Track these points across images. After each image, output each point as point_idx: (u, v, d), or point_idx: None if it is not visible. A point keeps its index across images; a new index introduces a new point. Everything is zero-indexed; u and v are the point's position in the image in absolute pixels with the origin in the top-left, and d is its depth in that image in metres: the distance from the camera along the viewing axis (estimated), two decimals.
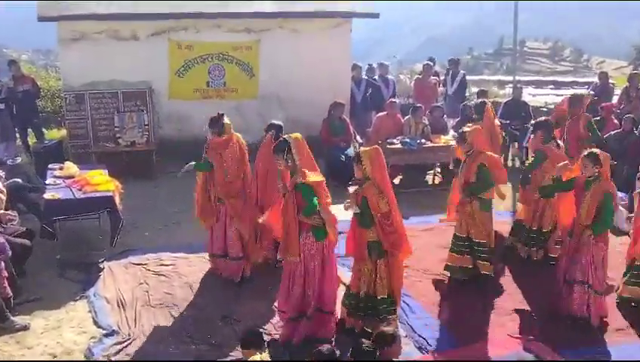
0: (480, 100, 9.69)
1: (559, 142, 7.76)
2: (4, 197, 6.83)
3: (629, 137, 9.68)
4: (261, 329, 5.67)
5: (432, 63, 13.32)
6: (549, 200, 7.15)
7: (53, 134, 12.52)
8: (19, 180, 8.33)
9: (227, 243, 6.87)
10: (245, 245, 6.91)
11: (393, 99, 10.99)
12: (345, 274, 6.68)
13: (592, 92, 12.55)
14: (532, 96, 16.03)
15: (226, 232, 6.85)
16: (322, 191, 5.57)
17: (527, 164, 7.73)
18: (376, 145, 6.00)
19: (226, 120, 6.72)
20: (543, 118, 8.11)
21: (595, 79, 14.31)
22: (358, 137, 10.95)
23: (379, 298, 5.81)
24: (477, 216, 6.81)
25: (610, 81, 13.90)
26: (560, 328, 6.15)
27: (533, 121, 8.71)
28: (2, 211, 7.14)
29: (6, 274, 6.16)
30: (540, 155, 7.31)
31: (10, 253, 6.12)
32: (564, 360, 5.49)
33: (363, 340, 4.62)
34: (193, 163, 6.88)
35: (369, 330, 5.68)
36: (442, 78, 13.79)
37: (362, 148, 5.81)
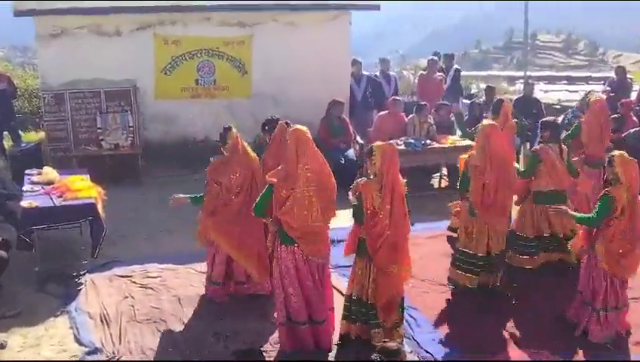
0: (498, 98, 9.69)
1: (564, 146, 7.71)
2: None
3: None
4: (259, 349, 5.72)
5: (437, 58, 13.27)
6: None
7: (31, 137, 12.48)
8: None
9: None
10: None
11: (396, 97, 11.00)
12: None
13: (608, 88, 12.60)
14: (544, 93, 16.07)
15: None
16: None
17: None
18: (391, 143, 6.02)
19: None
20: (552, 118, 8.15)
21: (612, 74, 14.33)
22: (358, 138, 10.93)
23: (368, 303, 5.80)
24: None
25: (628, 76, 13.89)
26: (572, 342, 6.17)
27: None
28: None
29: None
30: (533, 158, 7.41)
31: None
32: (563, 360, 5.52)
33: (374, 356, 4.60)
34: None
35: (367, 338, 5.81)
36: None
37: (377, 143, 5.76)
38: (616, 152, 6.37)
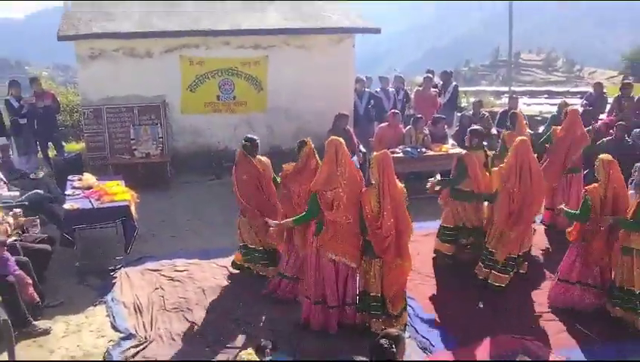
0: (511, 111, 9.61)
1: (489, 152, 7.67)
2: (11, 222, 6.87)
3: (621, 145, 9.63)
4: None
5: (431, 75, 13.27)
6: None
7: (73, 147, 12.55)
8: (40, 191, 8.39)
9: None
10: None
11: (395, 110, 10.99)
12: None
13: (585, 102, 12.52)
14: (527, 106, 15.99)
15: None
16: None
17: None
18: (386, 151, 5.95)
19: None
20: (479, 127, 8.03)
21: (587, 88, 14.24)
22: (361, 147, 10.92)
23: (371, 294, 5.85)
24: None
25: (605, 91, 13.77)
26: (559, 328, 6.16)
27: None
28: (26, 218, 7.21)
29: (30, 281, 6.22)
30: (459, 163, 7.30)
31: (15, 270, 6.08)
32: (566, 360, 5.42)
33: (382, 340, 4.57)
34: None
35: (368, 325, 5.89)
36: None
37: (374, 153, 5.84)
38: (602, 156, 6.50)
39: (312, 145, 6.58)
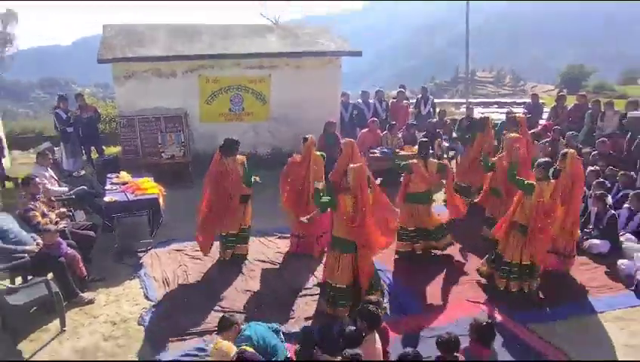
0: (483, 116, 9.56)
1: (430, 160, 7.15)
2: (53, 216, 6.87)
3: (555, 145, 9.71)
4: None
5: (403, 90, 13.34)
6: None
7: (111, 150, 12.53)
8: (85, 187, 8.40)
9: None
10: None
11: (374, 119, 11.01)
12: None
13: (525, 110, 12.59)
14: (481, 114, 15.99)
15: None
16: None
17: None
18: (362, 164, 5.66)
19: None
20: (425, 140, 7.51)
21: (529, 99, 14.32)
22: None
23: (336, 286, 5.61)
24: None
25: (541, 101, 13.86)
26: (509, 296, 6.19)
27: None
28: (60, 210, 7.21)
29: (79, 259, 6.24)
30: (406, 167, 6.96)
31: (66, 251, 6.09)
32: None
33: (370, 306, 4.54)
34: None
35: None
36: (412, 101, 13.84)
37: (351, 166, 5.50)
38: (569, 150, 6.59)
39: (314, 140, 7.01)
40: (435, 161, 6.93)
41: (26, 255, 5.92)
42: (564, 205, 6.33)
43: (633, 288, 6.30)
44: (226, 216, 6.78)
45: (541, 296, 6.23)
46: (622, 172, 8.58)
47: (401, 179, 8.33)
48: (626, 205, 7.73)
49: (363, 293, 5.50)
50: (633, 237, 7.29)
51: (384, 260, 6.84)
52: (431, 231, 7.04)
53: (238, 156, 6.89)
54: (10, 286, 5.69)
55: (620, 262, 6.77)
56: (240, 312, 5.78)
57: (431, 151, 7.87)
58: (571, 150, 6.65)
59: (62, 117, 10.71)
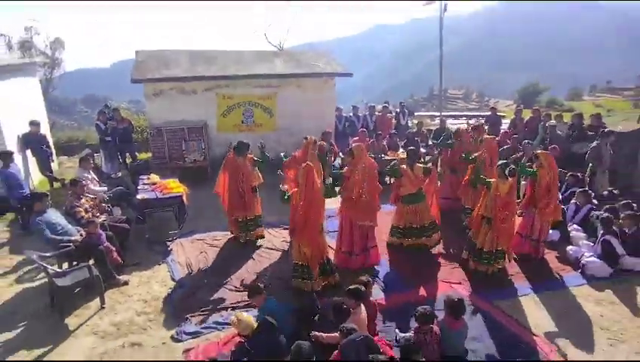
0: (456, 127, 9.51)
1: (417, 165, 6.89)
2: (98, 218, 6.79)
3: (515, 151, 9.71)
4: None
5: (387, 105, 13.36)
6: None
7: (142, 156, 12.48)
8: (121, 187, 8.37)
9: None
10: None
11: (363, 129, 10.99)
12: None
13: (484, 121, 12.64)
14: (452, 125, 16.04)
15: None
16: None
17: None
18: (307, 165, 5.52)
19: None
20: (412, 148, 7.46)
21: (489, 112, 14.37)
22: (340, 153, 10.91)
23: (300, 264, 5.71)
24: None
25: (500, 113, 13.88)
26: (479, 277, 6.20)
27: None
28: (100, 206, 7.21)
29: (114, 249, 6.21)
30: (396, 171, 6.77)
31: (105, 242, 6.09)
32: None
33: (359, 286, 4.59)
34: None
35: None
36: (394, 114, 13.84)
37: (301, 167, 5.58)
38: (540, 151, 6.74)
39: (313, 140, 7.02)
40: (421, 165, 6.84)
41: (72, 244, 5.90)
42: (549, 194, 6.38)
43: (579, 270, 6.33)
44: (240, 204, 6.98)
45: (508, 275, 6.22)
46: (570, 173, 8.62)
47: (386, 179, 8.35)
48: (573, 201, 7.76)
49: (315, 274, 5.62)
50: (579, 228, 7.31)
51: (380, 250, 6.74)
52: (423, 228, 6.81)
53: (248, 155, 7.01)
54: (58, 270, 5.66)
55: (568, 248, 6.80)
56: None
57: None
58: (541, 151, 6.70)
59: (101, 128, 10.66)
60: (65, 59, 26.65)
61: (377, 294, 5.70)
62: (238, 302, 5.58)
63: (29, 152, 9.77)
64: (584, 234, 7.10)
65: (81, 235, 6.09)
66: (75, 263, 5.88)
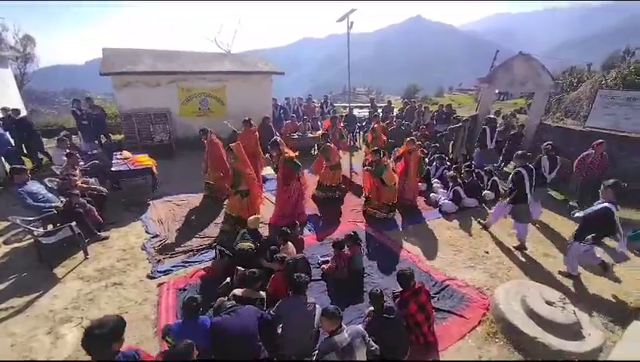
0: (374, 114, 9.60)
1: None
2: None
3: (400, 131, 10.09)
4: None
5: (311, 97, 13.21)
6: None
7: (116, 137, 11.18)
8: (97, 162, 7.48)
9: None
10: None
11: (293, 115, 10.80)
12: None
13: (384, 111, 13.01)
14: (358, 113, 16.36)
15: None
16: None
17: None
18: (238, 143, 5.56)
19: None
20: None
21: (384, 104, 14.78)
22: (276, 133, 10.67)
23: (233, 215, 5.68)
24: None
25: (392, 105, 14.33)
26: (375, 219, 6.44)
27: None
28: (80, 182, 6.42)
29: (94, 209, 5.60)
30: (325, 151, 6.84)
31: (87, 206, 5.49)
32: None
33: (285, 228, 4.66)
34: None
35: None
36: (318, 104, 13.75)
37: (232, 144, 5.48)
38: (410, 138, 6.72)
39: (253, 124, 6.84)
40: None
41: (54, 210, 5.21)
42: (415, 171, 6.61)
43: (438, 209, 6.89)
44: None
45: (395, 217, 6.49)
46: (434, 144, 9.20)
47: (312, 152, 8.23)
48: (434, 163, 8.35)
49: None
50: (438, 181, 7.92)
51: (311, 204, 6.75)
52: (338, 186, 7.04)
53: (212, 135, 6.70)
54: (42, 230, 5.00)
55: (431, 195, 7.34)
56: (208, 237, 5.56)
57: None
58: (411, 138, 6.86)
59: (77, 113, 9.33)
60: (38, 55, 22.48)
61: (307, 233, 5.77)
62: (200, 246, 5.36)
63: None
64: (441, 185, 7.69)
65: (61, 202, 5.39)
66: (58, 225, 5.22)
